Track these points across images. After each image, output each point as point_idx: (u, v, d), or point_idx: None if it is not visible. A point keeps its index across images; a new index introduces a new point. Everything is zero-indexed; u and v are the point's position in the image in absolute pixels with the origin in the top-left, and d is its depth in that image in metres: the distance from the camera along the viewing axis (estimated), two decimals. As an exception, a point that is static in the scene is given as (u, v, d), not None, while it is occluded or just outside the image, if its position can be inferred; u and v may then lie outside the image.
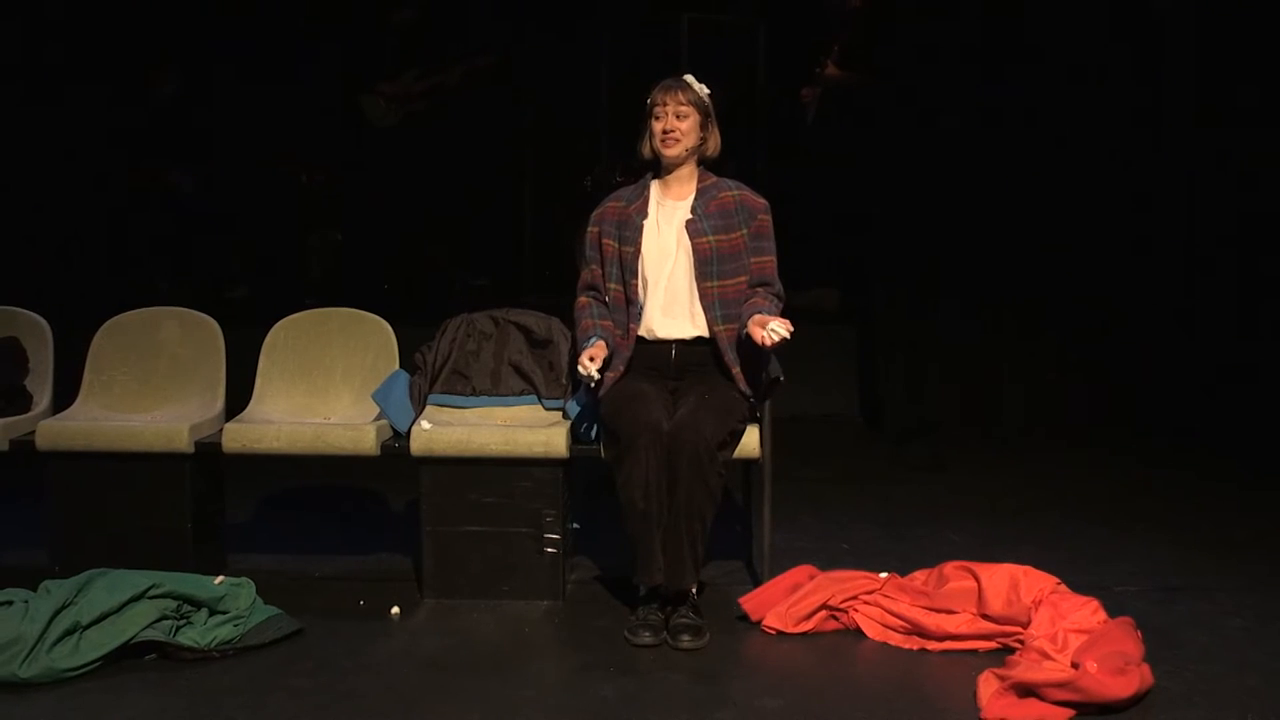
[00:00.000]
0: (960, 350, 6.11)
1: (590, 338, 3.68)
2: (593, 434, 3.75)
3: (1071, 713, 2.92)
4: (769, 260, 3.74)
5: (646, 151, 3.76)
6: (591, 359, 3.54)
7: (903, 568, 3.71)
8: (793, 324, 3.57)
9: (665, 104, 3.69)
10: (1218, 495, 4.99)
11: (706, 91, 3.73)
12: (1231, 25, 5.85)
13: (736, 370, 3.63)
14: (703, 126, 3.72)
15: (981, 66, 6.04)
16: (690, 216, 3.70)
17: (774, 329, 3.40)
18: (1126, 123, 6.02)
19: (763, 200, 3.78)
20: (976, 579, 3.44)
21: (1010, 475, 5.33)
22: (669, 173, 3.75)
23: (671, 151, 3.70)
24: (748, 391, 3.64)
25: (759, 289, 3.71)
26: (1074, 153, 6.05)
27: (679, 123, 3.69)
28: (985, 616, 3.37)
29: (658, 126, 3.70)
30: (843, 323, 6.43)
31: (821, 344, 6.13)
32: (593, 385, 3.64)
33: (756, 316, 3.54)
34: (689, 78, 3.75)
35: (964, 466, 5.48)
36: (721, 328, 3.65)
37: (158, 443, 3.85)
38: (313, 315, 4.26)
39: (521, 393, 4.06)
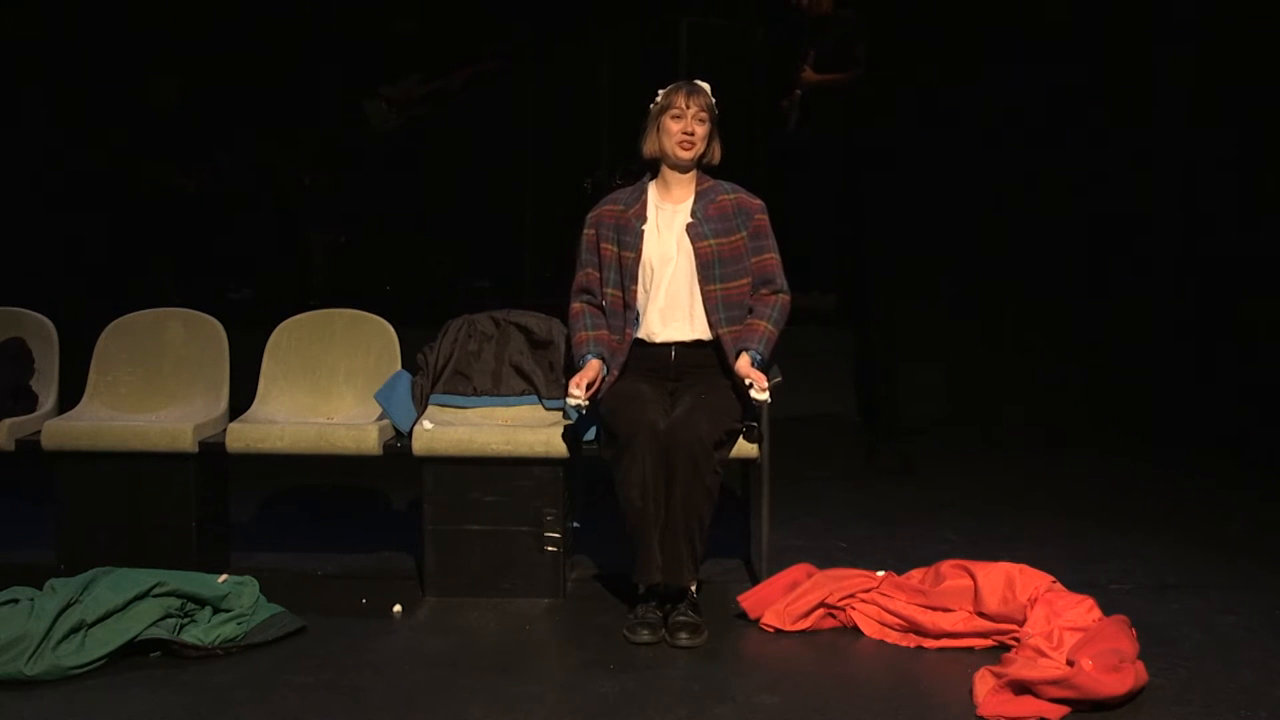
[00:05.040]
0: (957, 351, 6.13)
1: (584, 355, 3.69)
2: (591, 434, 3.78)
3: (1067, 710, 2.94)
4: (770, 258, 3.76)
5: (653, 149, 3.74)
6: (579, 384, 3.54)
7: (899, 566, 3.74)
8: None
9: (688, 106, 3.68)
10: (1211, 493, 5.02)
11: (714, 100, 3.75)
12: (1228, 26, 5.87)
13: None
14: (710, 135, 3.75)
15: (978, 67, 6.07)
16: (690, 220, 3.72)
17: (756, 397, 3.49)
18: (1125, 122, 6.05)
19: (758, 200, 3.80)
20: (972, 577, 3.47)
21: (1006, 475, 5.35)
22: (674, 174, 3.76)
23: (688, 155, 3.70)
24: (751, 398, 3.66)
25: (762, 289, 3.74)
26: (1072, 153, 6.08)
27: (699, 128, 3.69)
28: (981, 614, 3.40)
29: (676, 127, 3.68)
30: (841, 325, 6.46)
31: (819, 345, 6.16)
32: (583, 413, 3.66)
33: (741, 361, 3.58)
34: (704, 85, 3.75)
35: (960, 466, 5.50)
36: (725, 330, 3.66)
37: (162, 442, 3.88)
38: (316, 316, 4.28)
39: (522, 393, 4.09)
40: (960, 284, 6.12)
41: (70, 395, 4.20)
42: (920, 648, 3.40)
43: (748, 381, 3.52)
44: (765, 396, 3.50)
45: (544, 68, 7.33)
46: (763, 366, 3.59)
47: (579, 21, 7.28)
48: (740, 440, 3.66)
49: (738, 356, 3.60)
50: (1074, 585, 3.48)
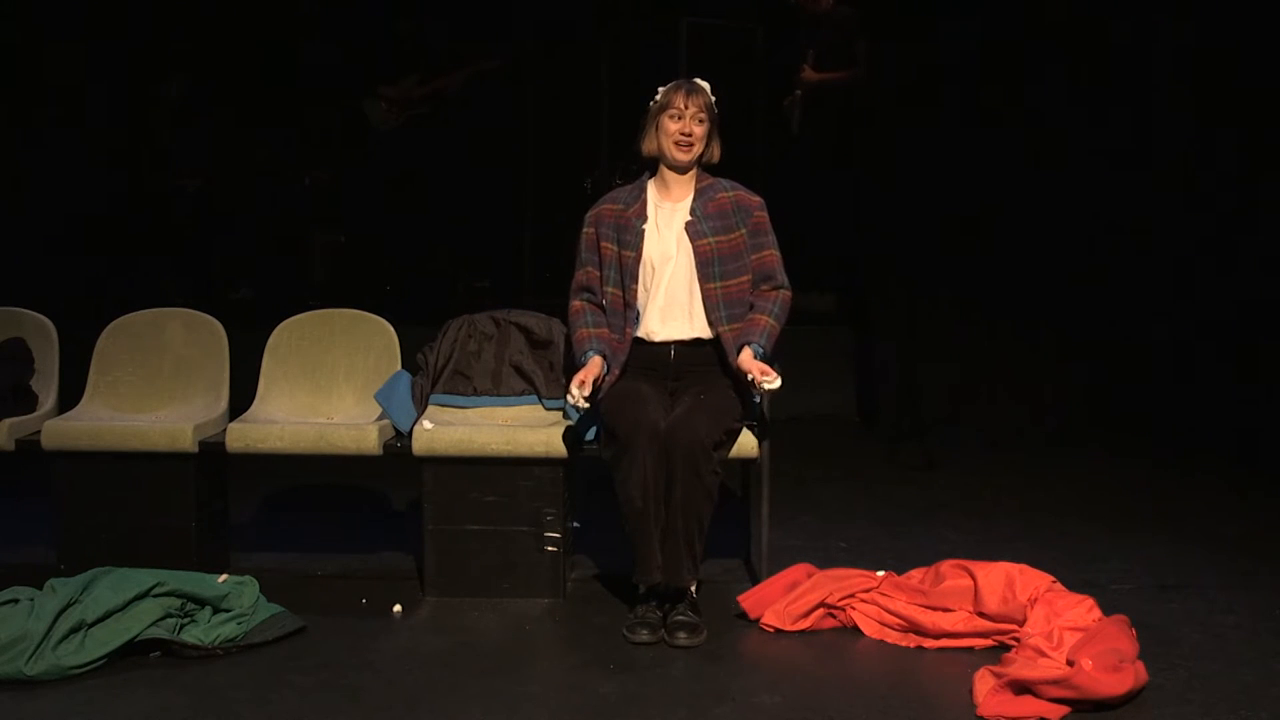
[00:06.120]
0: (957, 351, 6.13)
1: (586, 351, 3.68)
2: (591, 434, 3.78)
3: (1067, 710, 2.94)
4: (769, 254, 3.75)
5: (652, 148, 3.73)
6: (582, 383, 3.53)
7: (899, 566, 3.74)
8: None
9: (686, 106, 3.67)
10: (1211, 494, 5.02)
11: (713, 99, 3.74)
12: (1229, 33, 5.87)
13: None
14: (710, 134, 3.74)
15: (978, 68, 6.08)
16: (690, 218, 3.71)
17: (765, 386, 3.47)
18: (1125, 122, 6.05)
19: (758, 197, 3.79)
20: (972, 577, 3.47)
21: (1006, 475, 5.35)
22: (673, 173, 3.75)
23: (687, 156, 3.69)
24: (752, 395, 3.65)
25: (763, 285, 3.73)
26: (1071, 154, 6.08)
27: (697, 128, 3.68)
28: (981, 614, 3.40)
29: (674, 126, 3.67)
30: (840, 324, 6.46)
31: (819, 345, 6.17)
32: (581, 412, 3.65)
33: (744, 355, 3.56)
34: (703, 83, 3.74)
35: (960, 466, 5.50)
36: (726, 328, 3.65)
37: (162, 442, 3.88)
38: (316, 316, 4.29)
39: (522, 393, 4.09)
40: (960, 283, 6.12)
41: (70, 395, 4.20)
42: (920, 648, 3.40)
43: (750, 376, 3.51)
44: (776, 384, 3.48)
45: (544, 68, 7.33)
46: (765, 360, 3.58)
47: (579, 21, 7.28)
48: (740, 440, 3.66)
49: (739, 352, 3.60)
50: (1074, 585, 3.48)
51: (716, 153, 3.77)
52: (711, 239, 3.68)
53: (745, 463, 3.84)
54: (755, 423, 3.72)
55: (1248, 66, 5.79)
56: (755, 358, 3.56)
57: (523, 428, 3.87)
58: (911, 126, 6.11)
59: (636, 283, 3.70)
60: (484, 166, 7.13)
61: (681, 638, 3.41)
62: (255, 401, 4.13)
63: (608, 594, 3.83)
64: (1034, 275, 6.08)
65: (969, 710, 2.98)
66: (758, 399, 3.68)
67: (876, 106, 6.28)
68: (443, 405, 4.04)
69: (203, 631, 3.38)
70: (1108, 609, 3.33)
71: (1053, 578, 3.46)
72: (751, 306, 3.71)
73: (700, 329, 3.69)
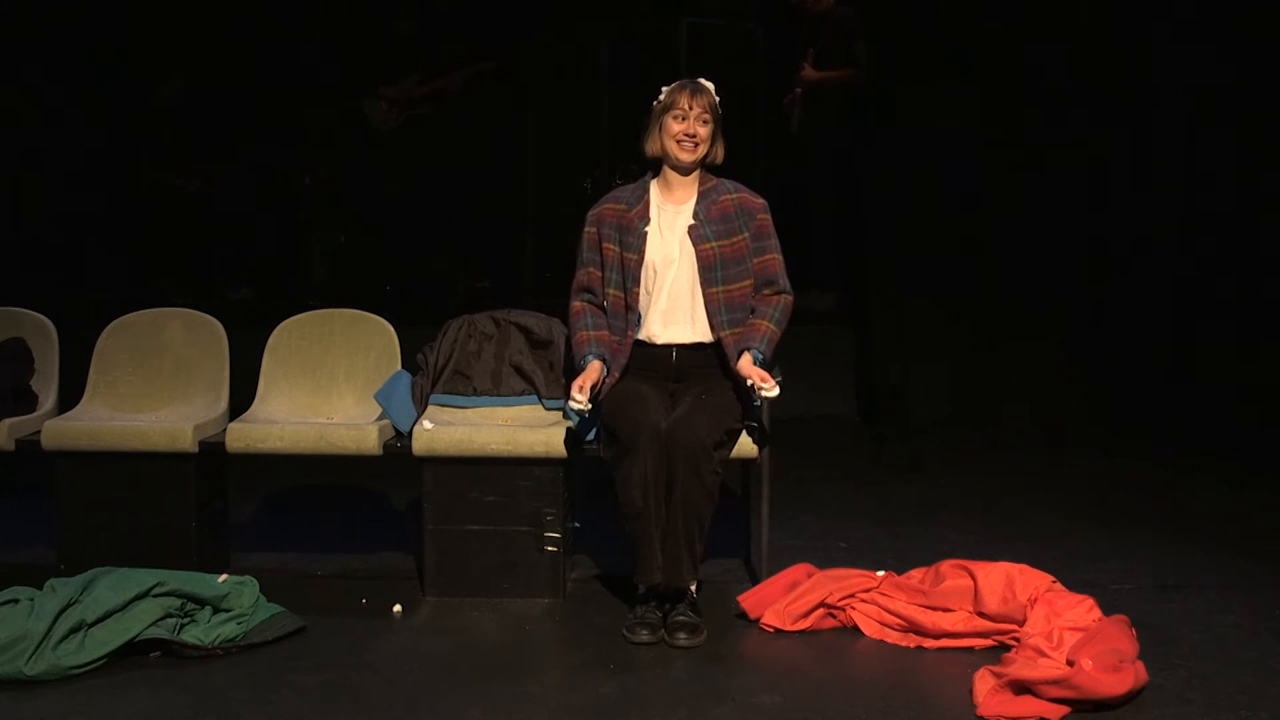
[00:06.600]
0: (956, 351, 6.13)
1: (586, 355, 3.67)
2: (592, 435, 3.78)
3: (1067, 710, 2.94)
4: (771, 258, 3.74)
5: (655, 149, 3.72)
6: (581, 388, 3.54)
7: (900, 566, 3.74)
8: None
9: (690, 107, 3.65)
10: (1211, 494, 5.01)
11: (717, 99, 3.73)
12: (1224, 36, 5.87)
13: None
14: (714, 135, 3.73)
15: (977, 68, 6.08)
16: (693, 222, 3.70)
17: (764, 394, 3.46)
18: (1125, 122, 6.05)
19: (761, 200, 3.78)
20: (973, 577, 3.47)
21: (1006, 475, 5.34)
22: (676, 175, 3.74)
23: (691, 158, 3.68)
24: (752, 398, 3.65)
25: (765, 289, 3.73)
26: (1071, 153, 6.08)
27: (702, 129, 3.66)
28: (981, 614, 3.40)
29: (678, 127, 3.65)
30: (841, 324, 6.46)
31: (820, 345, 6.16)
32: (585, 417, 3.65)
33: (744, 361, 3.56)
34: (708, 84, 3.72)
35: (960, 466, 5.50)
36: (727, 332, 3.65)
37: (162, 442, 3.88)
38: (315, 316, 4.29)
39: (522, 393, 4.09)
40: (959, 283, 6.12)
41: (70, 395, 4.20)
42: (920, 648, 3.40)
43: (750, 382, 3.52)
44: (775, 391, 3.48)
45: (544, 68, 7.33)
46: (765, 366, 3.58)
47: (579, 21, 7.28)
48: (740, 440, 3.66)
49: (740, 357, 3.60)
50: (1074, 585, 3.48)
51: (720, 153, 3.76)
52: (714, 243, 3.67)
53: (745, 463, 3.84)
54: (755, 424, 3.71)
55: (1246, 66, 5.79)
56: (755, 364, 3.56)
57: (523, 428, 3.87)
58: (914, 124, 6.11)
59: (638, 285, 3.69)
60: (484, 166, 7.13)
61: (681, 638, 3.41)
62: (255, 401, 4.13)
63: (608, 594, 3.83)
64: (1033, 275, 6.07)
65: (969, 710, 2.98)
66: (757, 403, 3.68)
67: (876, 104, 6.28)
68: (443, 405, 4.05)
69: (203, 631, 3.38)
70: (1108, 609, 3.33)
71: (1053, 578, 3.46)
72: (753, 311, 3.70)
73: (702, 333, 3.69)
